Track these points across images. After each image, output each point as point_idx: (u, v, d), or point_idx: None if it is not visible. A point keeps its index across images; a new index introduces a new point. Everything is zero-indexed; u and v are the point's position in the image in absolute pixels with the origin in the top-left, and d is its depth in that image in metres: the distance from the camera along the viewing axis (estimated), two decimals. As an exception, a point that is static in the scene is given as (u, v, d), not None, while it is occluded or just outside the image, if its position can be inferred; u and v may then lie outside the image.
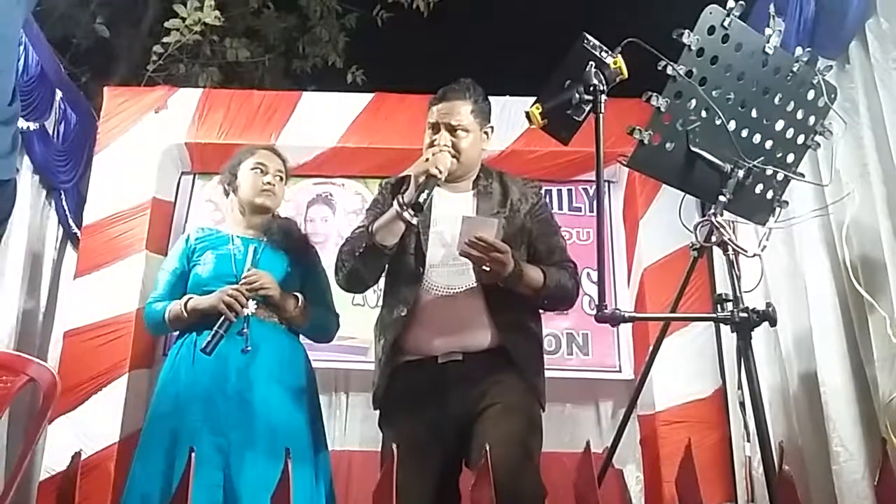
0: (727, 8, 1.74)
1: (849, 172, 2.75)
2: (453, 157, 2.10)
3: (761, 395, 1.66)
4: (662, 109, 1.76)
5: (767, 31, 1.83)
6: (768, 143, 1.91)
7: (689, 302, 3.33)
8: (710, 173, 1.85)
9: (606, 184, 3.96)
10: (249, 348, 2.28)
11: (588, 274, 3.81)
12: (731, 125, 1.83)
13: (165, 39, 5.32)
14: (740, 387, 1.68)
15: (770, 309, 1.67)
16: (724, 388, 3.60)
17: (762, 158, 1.89)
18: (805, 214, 2.60)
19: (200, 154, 4.08)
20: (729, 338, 2.58)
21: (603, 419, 3.94)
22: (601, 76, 1.76)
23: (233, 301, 2.25)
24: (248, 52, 6.23)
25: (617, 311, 1.68)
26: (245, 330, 2.28)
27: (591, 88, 1.74)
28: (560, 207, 4.11)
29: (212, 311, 2.27)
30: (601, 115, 1.74)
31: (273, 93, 4.37)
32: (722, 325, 2.35)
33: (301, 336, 2.51)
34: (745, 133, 1.87)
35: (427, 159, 2.04)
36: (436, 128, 2.15)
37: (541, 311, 2.21)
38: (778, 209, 2.00)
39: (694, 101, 1.78)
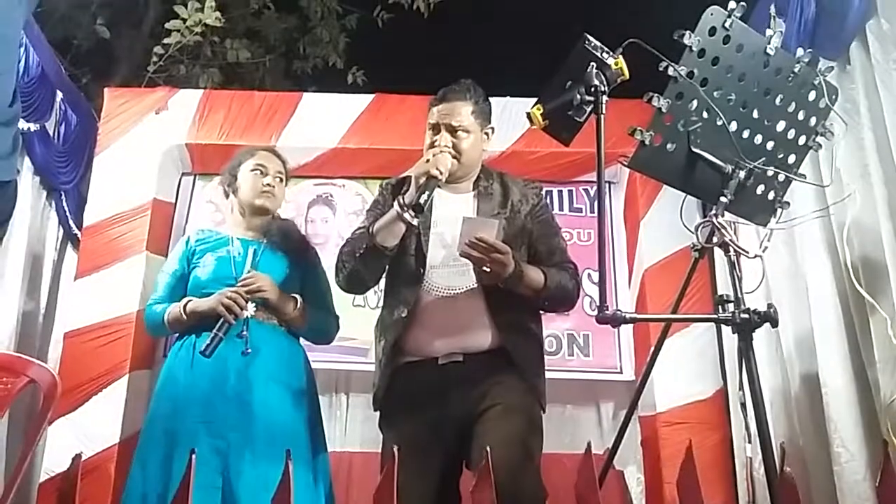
0: (728, 9, 1.74)
1: (850, 173, 2.75)
2: (454, 157, 2.10)
3: (762, 396, 1.66)
4: (664, 110, 1.76)
5: (768, 32, 1.83)
6: (769, 144, 1.91)
7: (691, 303, 3.33)
8: (711, 174, 1.85)
9: (607, 184, 3.96)
10: (249, 350, 2.28)
11: (589, 275, 3.81)
12: (733, 126, 1.83)
13: (166, 40, 5.33)
14: (741, 388, 1.68)
15: (771, 310, 1.67)
16: (725, 390, 3.59)
17: (763, 159, 1.89)
18: (806, 215, 2.60)
19: (201, 155, 4.08)
20: (730, 339, 2.57)
21: (604, 420, 3.93)
22: (602, 77, 1.75)
23: (231, 303, 2.25)
24: (249, 53, 6.23)
25: (618, 312, 1.68)
26: (244, 332, 2.28)
27: (593, 89, 1.74)
28: (561, 208, 4.11)
29: (210, 313, 2.27)
30: (602, 116, 1.75)
31: (274, 94, 4.37)
32: (723, 326, 2.35)
33: (301, 338, 2.50)
34: (746, 134, 1.87)
35: (427, 160, 2.04)
36: (436, 129, 2.15)
37: (541, 312, 2.21)
38: (779, 210, 2.00)
39: (695, 102, 1.78)
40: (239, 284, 2.30)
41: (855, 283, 2.65)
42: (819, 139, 1.99)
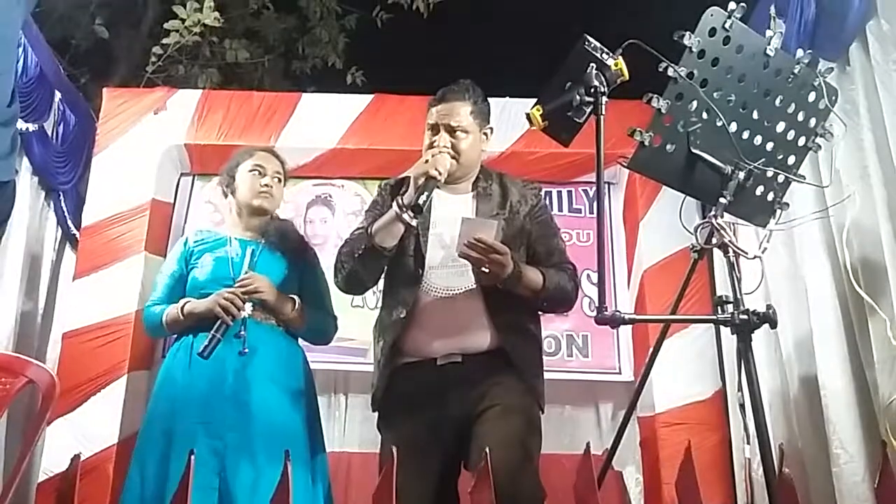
0: (728, 10, 1.74)
1: (849, 174, 2.75)
2: (453, 158, 2.10)
3: (761, 397, 1.66)
4: (663, 111, 1.75)
5: (768, 33, 1.83)
6: (769, 145, 1.91)
7: (690, 304, 3.33)
8: (710, 175, 1.85)
9: (607, 185, 3.96)
10: (246, 350, 2.27)
11: (588, 275, 3.81)
12: (732, 127, 1.83)
13: (165, 41, 5.32)
14: (740, 389, 1.68)
15: (770, 311, 1.67)
16: (724, 390, 3.59)
17: (763, 160, 1.89)
18: (806, 216, 2.60)
19: (200, 155, 4.08)
20: (729, 340, 2.57)
21: (603, 421, 3.93)
22: (602, 78, 1.75)
23: (229, 304, 2.25)
24: (248, 54, 6.23)
25: (617, 313, 1.67)
26: (242, 332, 2.28)
27: (592, 90, 1.74)
28: (560, 209, 4.11)
29: (208, 314, 2.27)
30: (602, 117, 1.74)
31: (272, 94, 4.37)
32: (722, 327, 2.35)
33: (299, 338, 2.50)
34: (745, 135, 1.87)
35: (426, 161, 2.04)
36: (435, 129, 2.15)
37: (540, 312, 2.21)
38: (778, 211, 2.00)
39: (695, 103, 1.78)
40: (236, 285, 2.30)
41: (854, 285, 2.65)
42: (819, 140, 1.99)
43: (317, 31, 6.64)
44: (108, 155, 3.97)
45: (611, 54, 1.78)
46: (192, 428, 2.20)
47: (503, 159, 3.80)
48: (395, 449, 1.89)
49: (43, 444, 3.41)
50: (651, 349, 2.59)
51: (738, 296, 1.72)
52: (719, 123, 1.81)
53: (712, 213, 1.84)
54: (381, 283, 2.23)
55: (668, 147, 1.80)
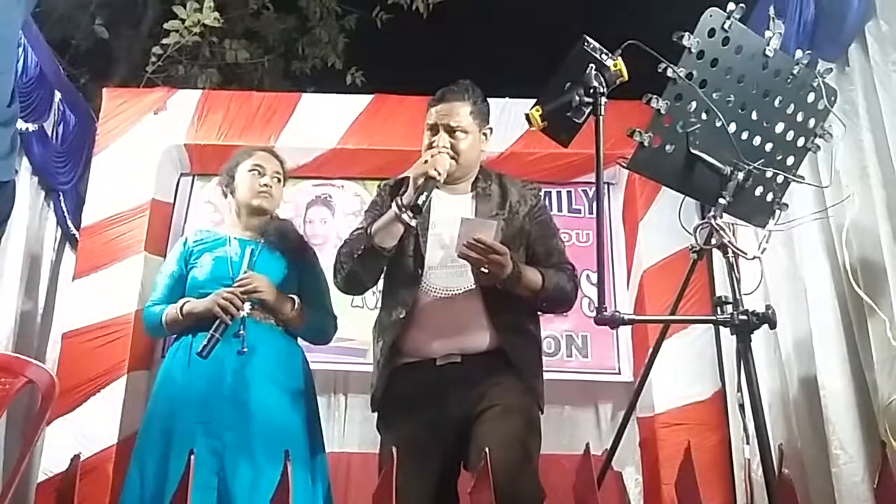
0: (727, 11, 1.74)
1: (848, 175, 2.75)
2: (452, 158, 2.09)
3: (761, 397, 1.66)
4: (662, 111, 1.75)
5: (767, 33, 1.83)
6: (768, 146, 1.91)
7: (689, 304, 3.33)
8: (709, 175, 1.85)
9: (606, 186, 3.95)
10: (245, 349, 2.27)
11: (587, 276, 3.81)
12: (732, 127, 1.83)
13: (165, 41, 5.32)
14: (740, 389, 1.68)
15: (770, 311, 1.67)
16: (723, 391, 3.60)
17: (762, 161, 1.89)
18: (805, 217, 2.60)
19: (199, 155, 4.08)
20: (728, 340, 2.57)
21: (602, 421, 3.93)
22: (601, 78, 1.75)
23: (227, 304, 2.25)
24: (248, 54, 6.23)
25: (616, 314, 1.67)
26: (241, 331, 2.28)
27: (592, 91, 1.74)
28: (559, 209, 4.11)
29: (207, 314, 2.27)
30: (601, 118, 1.74)
31: (272, 94, 4.37)
32: (721, 328, 2.35)
33: (299, 338, 2.50)
34: (745, 135, 1.87)
35: (426, 161, 2.04)
36: (434, 129, 2.15)
37: (539, 313, 2.21)
38: (778, 212, 2.00)
39: (694, 104, 1.78)
40: (235, 285, 2.30)
41: (853, 285, 2.65)
42: (818, 141, 1.99)
43: (316, 31, 6.64)
44: (107, 155, 3.97)
45: (610, 55, 1.78)
46: (190, 428, 2.20)
47: (503, 160, 3.80)
48: (394, 449, 1.89)
49: (42, 444, 3.41)
50: (650, 349, 2.59)
51: (738, 296, 1.73)
52: (718, 124, 1.81)
53: (711, 213, 1.84)
54: (381, 283, 2.23)
55: (668, 147, 1.80)
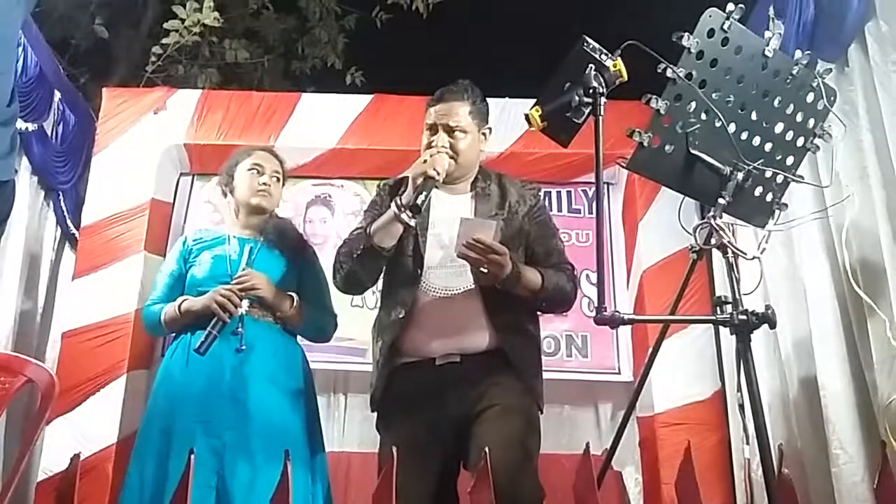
0: (727, 11, 1.74)
1: (848, 175, 2.75)
2: (451, 158, 2.09)
3: (760, 397, 1.66)
4: (662, 112, 1.75)
5: (767, 34, 1.83)
6: (768, 146, 1.91)
7: (689, 304, 3.33)
8: (709, 176, 1.85)
9: (606, 186, 3.94)
10: (244, 347, 2.27)
11: (587, 276, 3.82)
12: (731, 128, 1.83)
13: (164, 40, 5.32)
14: (739, 389, 1.68)
15: (769, 311, 1.67)
16: (723, 391, 3.60)
17: (762, 161, 1.89)
18: (805, 217, 2.59)
19: (199, 155, 4.08)
20: (728, 340, 2.57)
21: (602, 421, 3.94)
22: (601, 79, 1.75)
23: (225, 301, 2.25)
24: (248, 54, 6.23)
25: (616, 313, 1.67)
26: (239, 329, 2.28)
27: (591, 91, 1.74)
28: (559, 209, 4.11)
29: (205, 311, 2.27)
30: (601, 118, 1.74)
31: (272, 94, 4.37)
32: (721, 328, 2.34)
33: (299, 337, 2.50)
34: (744, 135, 1.87)
35: (425, 161, 2.04)
36: (434, 129, 2.15)
37: (539, 313, 2.21)
38: (777, 212, 2.00)
39: (693, 104, 1.78)
40: (233, 282, 2.31)
41: (853, 285, 2.65)
42: (817, 141, 1.99)
43: (316, 31, 6.63)
44: (107, 155, 3.97)
45: (610, 55, 1.78)
46: (190, 427, 2.20)
47: (502, 160, 3.80)
48: (394, 449, 1.89)
49: (42, 443, 3.41)
50: (650, 349, 2.59)
51: (737, 296, 1.72)
52: (718, 124, 1.81)
53: (711, 213, 1.84)
54: (380, 283, 2.23)
55: (667, 148, 1.80)
